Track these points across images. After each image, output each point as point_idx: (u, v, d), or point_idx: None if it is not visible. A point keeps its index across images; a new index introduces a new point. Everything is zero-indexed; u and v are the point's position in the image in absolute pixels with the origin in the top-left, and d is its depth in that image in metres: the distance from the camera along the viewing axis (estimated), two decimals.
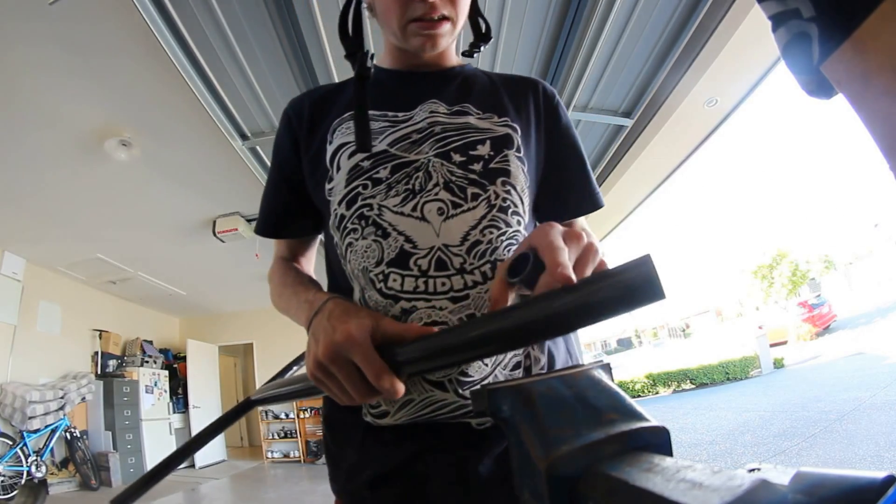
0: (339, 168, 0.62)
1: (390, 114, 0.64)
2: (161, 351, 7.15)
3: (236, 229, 4.09)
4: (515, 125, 0.64)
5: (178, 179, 3.53)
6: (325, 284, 0.67)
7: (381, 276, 0.56)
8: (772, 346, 11.59)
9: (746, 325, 22.52)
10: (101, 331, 6.04)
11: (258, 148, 2.93)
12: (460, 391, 0.55)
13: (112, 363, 6.01)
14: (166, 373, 6.87)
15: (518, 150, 0.63)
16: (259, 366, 7.96)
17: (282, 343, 7.70)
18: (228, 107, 2.54)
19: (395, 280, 0.56)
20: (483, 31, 0.75)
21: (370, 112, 0.64)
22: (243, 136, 2.79)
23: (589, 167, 0.73)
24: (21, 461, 4.31)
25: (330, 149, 0.64)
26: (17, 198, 3.60)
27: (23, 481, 4.27)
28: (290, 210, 0.72)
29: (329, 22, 2.06)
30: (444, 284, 0.55)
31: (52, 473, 4.75)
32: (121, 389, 5.80)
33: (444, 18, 0.62)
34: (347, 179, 0.60)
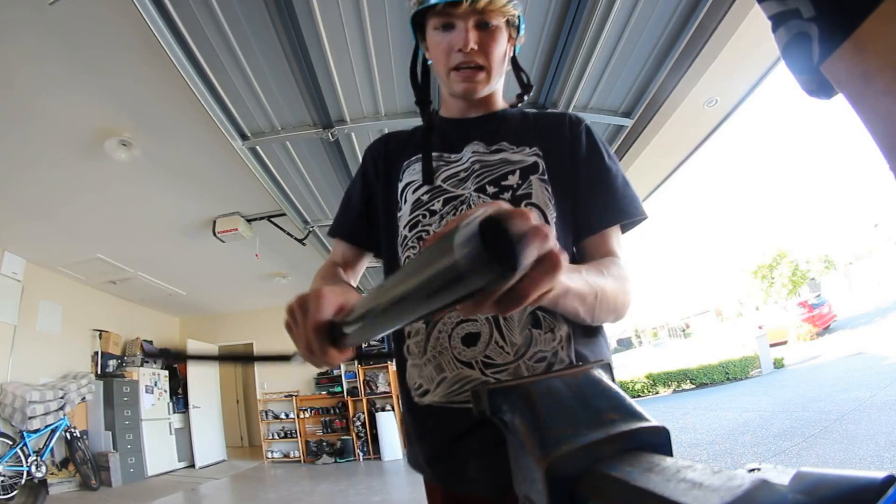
0: (405, 201, 0.78)
1: (445, 155, 0.79)
2: (161, 351, 7.15)
3: (236, 229, 4.09)
4: (542, 152, 0.76)
5: (178, 179, 3.53)
6: None
7: None
8: (772, 346, 11.57)
9: (746, 325, 22.48)
10: (101, 331, 6.04)
11: (258, 148, 2.92)
12: (486, 371, 0.65)
13: (112, 363, 6.01)
14: (166, 373, 6.87)
15: (543, 174, 0.74)
16: (259, 365, 7.95)
17: (282, 343, 7.66)
18: (228, 107, 2.54)
19: None
20: (525, 82, 0.87)
21: (431, 154, 0.80)
22: (243, 136, 2.79)
23: (616, 182, 0.76)
24: (21, 461, 4.31)
25: (400, 185, 0.80)
26: (18, 198, 3.60)
27: (23, 481, 4.27)
28: (362, 217, 0.86)
29: (329, 22, 2.05)
30: None
31: (52, 473, 4.74)
32: (121, 389, 5.80)
33: (480, 68, 0.75)
34: (411, 210, 0.76)
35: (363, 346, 0.45)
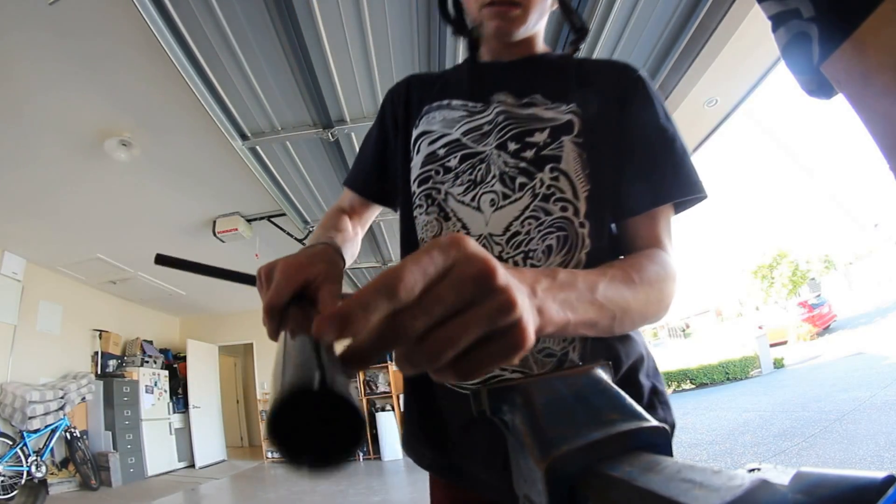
0: (418, 151, 0.68)
1: (469, 104, 0.68)
2: (161, 351, 7.15)
3: (236, 229, 4.09)
4: (580, 111, 0.63)
5: (178, 179, 3.53)
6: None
7: None
8: (772, 346, 11.58)
9: (746, 325, 22.47)
10: (101, 331, 6.04)
11: (258, 148, 2.92)
12: None
13: (112, 363, 6.01)
14: (166, 373, 6.87)
15: (578, 136, 0.61)
16: (259, 366, 7.96)
17: None
18: (228, 107, 2.54)
19: None
20: (579, 25, 0.75)
21: (453, 102, 0.69)
22: (243, 136, 2.79)
23: (672, 147, 0.63)
24: (21, 461, 4.31)
25: (415, 133, 0.70)
26: (17, 198, 3.60)
27: (23, 481, 4.27)
28: (373, 168, 0.79)
29: (329, 22, 2.05)
30: None
31: (52, 473, 4.74)
32: (121, 389, 5.80)
33: (515, 4, 0.64)
34: (423, 163, 0.67)
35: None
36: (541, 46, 0.75)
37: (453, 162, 0.64)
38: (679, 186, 0.61)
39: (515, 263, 0.58)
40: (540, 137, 0.61)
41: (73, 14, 2.03)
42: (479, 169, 0.63)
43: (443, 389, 0.64)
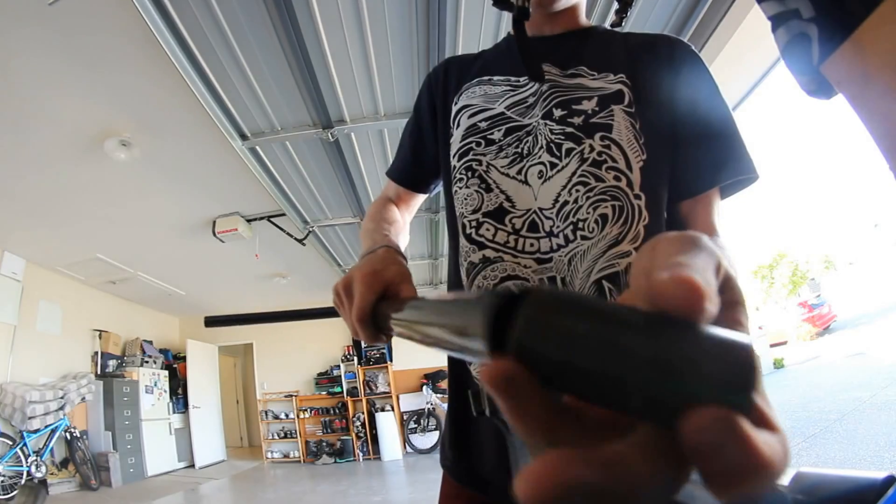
0: (458, 125, 0.66)
1: (512, 79, 0.66)
2: (161, 351, 7.15)
3: (236, 229, 4.09)
4: (630, 81, 0.60)
5: (178, 179, 3.53)
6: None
7: (474, 223, 0.60)
8: (772, 346, 11.60)
9: None
10: (101, 331, 6.03)
11: (258, 148, 2.92)
12: None
13: (112, 363, 6.01)
14: (166, 373, 6.87)
15: (629, 106, 0.58)
16: (259, 366, 7.96)
17: (281, 343, 7.70)
18: (228, 107, 2.54)
19: (487, 229, 0.59)
20: None
21: (494, 78, 0.67)
22: (243, 137, 2.79)
23: (729, 123, 0.59)
24: (21, 461, 4.30)
25: (454, 109, 0.68)
26: (18, 197, 3.60)
27: (23, 481, 4.27)
28: (411, 156, 0.78)
29: (329, 22, 2.05)
30: (532, 245, 0.57)
31: (52, 473, 4.74)
32: (121, 389, 5.80)
33: None
34: (463, 136, 0.64)
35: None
36: (583, 19, 0.72)
37: (497, 134, 0.61)
38: (740, 165, 0.57)
39: (566, 237, 0.55)
40: (588, 105, 0.58)
41: (73, 14, 2.03)
42: (526, 141, 0.59)
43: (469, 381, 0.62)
